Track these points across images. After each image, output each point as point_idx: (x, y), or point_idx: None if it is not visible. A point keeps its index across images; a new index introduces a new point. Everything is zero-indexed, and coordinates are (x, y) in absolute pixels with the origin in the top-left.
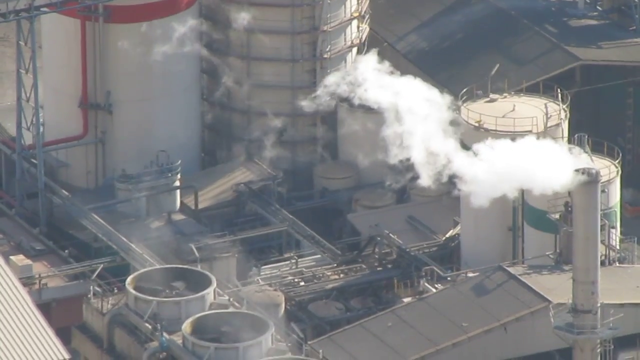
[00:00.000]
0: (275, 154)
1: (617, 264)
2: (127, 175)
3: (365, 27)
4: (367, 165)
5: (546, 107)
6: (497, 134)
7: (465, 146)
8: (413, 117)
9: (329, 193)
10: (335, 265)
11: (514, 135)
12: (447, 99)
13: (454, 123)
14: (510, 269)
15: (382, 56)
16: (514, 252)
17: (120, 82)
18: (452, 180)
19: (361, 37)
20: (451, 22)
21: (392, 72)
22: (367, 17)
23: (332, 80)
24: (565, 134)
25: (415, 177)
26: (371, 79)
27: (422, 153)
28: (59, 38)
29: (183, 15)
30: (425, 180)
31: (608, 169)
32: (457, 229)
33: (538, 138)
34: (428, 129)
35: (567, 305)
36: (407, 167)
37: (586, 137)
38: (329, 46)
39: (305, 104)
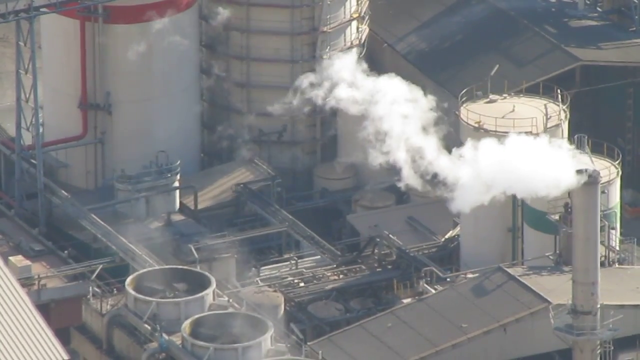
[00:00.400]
0: (273, 154)
1: (617, 265)
2: (126, 176)
3: (365, 28)
4: (366, 166)
5: (546, 108)
6: (478, 136)
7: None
8: (392, 117)
9: (328, 193)
10: (334, 265)
11: (497, 136)
12: (430, 99)
13: (439, 123)
14: (510, 270)
15: (380, 57)
16: (514, 253)
17: (120, 83)
18: (435, 180)
19: (361, 38)
20: (451, 23)
21: (369, 73)
22: (366, 18)
23: (305, 83)
24: (565, 134)
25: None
26: (346, 80)
27: (404, 154)
28: (58, 38)
29: (182, 16)
30: (409, 180)
31: (608, 169)
32: (457, 230)
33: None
34: (409, 129)
35: (566, 306)
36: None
37: (586, 138)
38: (329, 47)
39: (274, 109)
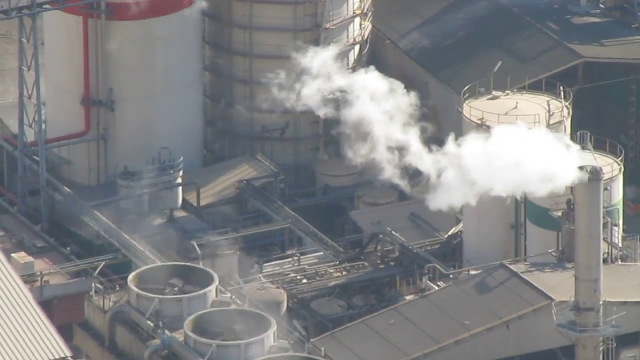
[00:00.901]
0: (276, 151)
1: (620, 262)
2: (129, 172)
3: (368, 25)
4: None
5: (548, 105)
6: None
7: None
8: (370, 113)
9: (331, 190)
10: (337, 262)
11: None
12: (412, 95)
13: (424, 119)
14: (513, 267)
15: (383, 54)
16: (517, 249)
17: (122, 79)
18: (416, 178)
19: (363, 35)
20: (454, 19)
21: (347, 68)
22: (369, 14)
23: (274, 82)
24: (568, 131)
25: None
26: (320, 76)
27: (383, 151)
28: (61, 35)
29: (185, 12)
30: (389, 176)
31: (611, 166)
32: (460, 227)
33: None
34: (388, 125)
35: (569, 303)
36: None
37: (588, 134)
38: (331, 44)
39: (237, 110)
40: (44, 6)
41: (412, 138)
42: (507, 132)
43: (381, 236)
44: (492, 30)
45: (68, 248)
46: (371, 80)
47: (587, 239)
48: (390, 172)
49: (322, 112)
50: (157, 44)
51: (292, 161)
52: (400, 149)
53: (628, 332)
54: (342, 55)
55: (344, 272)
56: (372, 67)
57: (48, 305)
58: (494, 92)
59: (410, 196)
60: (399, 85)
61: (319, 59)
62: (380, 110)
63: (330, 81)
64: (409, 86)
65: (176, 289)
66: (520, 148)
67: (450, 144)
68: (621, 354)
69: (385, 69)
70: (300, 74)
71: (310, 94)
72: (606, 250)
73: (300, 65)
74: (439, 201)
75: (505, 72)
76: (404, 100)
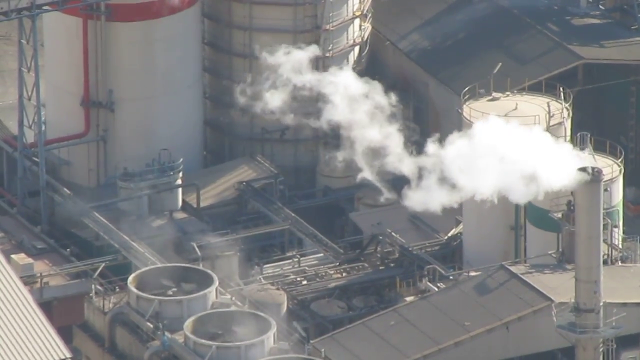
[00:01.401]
0: (276, 152)
1: (620, 263)
2: (129, 174)
3: (368, 26)
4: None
5: (549, 106)
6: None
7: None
8: (344, 114)
9: (331, 191)
10: (337, 263)
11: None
12: (393, 97)
13: (395, 118)
14: (513, 268)
15: (383, 55)
16: (517, 251)
17: (122, 80)
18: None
19: (363, 36)
20: (453, 20)
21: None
22: (369, 15)
23: (241, 86)
24: (568, 132)
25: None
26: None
27: (359, 152)
28: (61, 36)
29: (185, 14)
30: (369, 175)
31: (611, 167)
32: (460, 228)
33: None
34: (363, 125)
35: (569, 304)
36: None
37: (588, 136)
38: (331, 45)
39: (215, 116)
40: (44, 7)
41: (392, 139)
42: (488, 129)
43: (381, 237)
44: (492, 32)
45: (68, 249)
46: (345, 81)
47: (587, 240)
48: (368, 175)
49: (289, 117)
50: (156, 46)
51: (292, 163)
52: (379, 151)
53: (628, 334)
54: (342, 57)
55: (344, 274)
56: (346, 65)
57: (48, 306)
58: (494, 94)
59: (387, 201)
60: (376, 85)
61: (292, 60)
62: (355, 111)
63: (301, 82)
64: (408, 88)
65: (175, 290)
66: (502, 146)
67: (430, 145)
68: (621, 356)
69: (385, 71)
70: (272, 76)
71: (279, 97)
72: (606, 252)
73: (269, 66)
74: (418, 203)
75: (505, 74)
76: (382, 100)
